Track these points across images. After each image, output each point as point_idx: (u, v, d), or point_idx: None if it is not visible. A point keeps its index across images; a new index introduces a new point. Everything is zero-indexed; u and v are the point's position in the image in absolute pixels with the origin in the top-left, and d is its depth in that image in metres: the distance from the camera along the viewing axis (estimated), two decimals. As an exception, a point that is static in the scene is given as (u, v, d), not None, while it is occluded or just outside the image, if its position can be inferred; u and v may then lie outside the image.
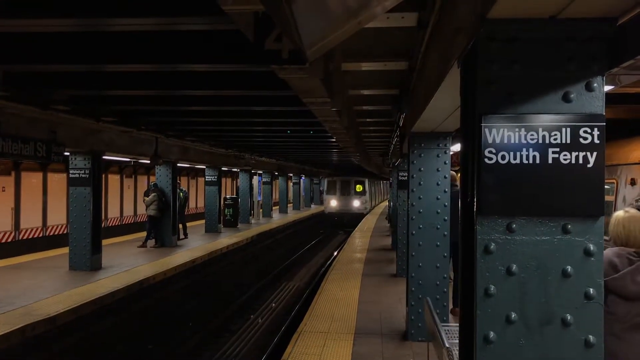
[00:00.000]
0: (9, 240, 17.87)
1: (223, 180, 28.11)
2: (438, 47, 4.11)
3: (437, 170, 7.37)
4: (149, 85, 8.68)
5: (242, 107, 10.77)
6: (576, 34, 2.43)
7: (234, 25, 3.88)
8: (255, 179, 31.37)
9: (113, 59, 6.94)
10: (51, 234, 19.82)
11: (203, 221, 24.26)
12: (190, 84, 8.67)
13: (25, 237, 18.57)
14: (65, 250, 13.91)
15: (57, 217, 20.11)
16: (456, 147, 9.66)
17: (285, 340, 9.29)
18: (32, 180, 19.05)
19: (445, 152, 7.38)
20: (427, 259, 7.35)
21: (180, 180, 21.92)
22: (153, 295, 12.82)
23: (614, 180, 9.12)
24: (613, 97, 8.14)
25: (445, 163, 7.37)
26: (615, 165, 9.10)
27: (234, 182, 38.28)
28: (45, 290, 10.66)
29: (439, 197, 7.34)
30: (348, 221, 34.55)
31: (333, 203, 37.05)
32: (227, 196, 26.83)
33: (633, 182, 8.54)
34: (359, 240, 20.55)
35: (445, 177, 7.37)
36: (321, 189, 41.60)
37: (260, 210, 32.46)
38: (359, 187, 37.43)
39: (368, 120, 11.70)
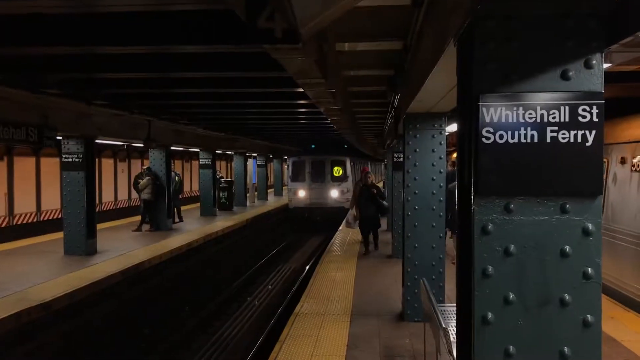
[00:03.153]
0: (3, 225, 17.81)
1: (217, 163, 28.02)
2: (434, 26, 4.06)
3: (433, 151, 7.35)
4: (141, 67, 8.56)
5: (236, 89, 10.68)
6: (574, 11, 2.40)
7: (227, 5, 3.81)
8: (250, 162, 31.18)
9: (104, 40, 6.83)
10: (45, 218, 19.76)
11: (197, 204, 24.21)
12: (183, 66, 8.56)
13: (19, 222, 18.51)
14: (60, 235, 13.86)
15: (51, 202, 20.04)
16: (451, 128, 9.64)
17: (282, 321, 9.32)
18: (25, 165, 18.94)
19: (440, 133, 7.35)
20: (422, 240, 7.37)
21: (174, 163, 21.81)
22: (149, 279, 12.82)
23: (605, 159, 9.13)
24: (605, 75, 8.10)
25: (440, 144, 7.35)
26: (606, 144, 9.09)
27: (229, 165, 38.07)
28: (40, 275, 10.63)
29: (434, 178, 7.33)
30: (323, 219, 25.49)
31: (301, 194, 26.36)
32: (222, 179, 26.76)
33: (623, 161, 8.55)
34: (353, 214, 20.52)
35: (440, 158, 7.35)
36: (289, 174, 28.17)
37: (256, 193, 32.33)
38: (337, 170, 26.59)
39: (363, 101, 11.62)
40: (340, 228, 18.66)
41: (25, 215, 18.94)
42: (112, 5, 5.87)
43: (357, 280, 10.64)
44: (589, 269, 2.43)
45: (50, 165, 20.14)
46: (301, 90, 7.91)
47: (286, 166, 35.42)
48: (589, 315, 2.43)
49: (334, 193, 26.14)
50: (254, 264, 17.11)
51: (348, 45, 6.40)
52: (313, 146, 29.21)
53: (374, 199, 13.39)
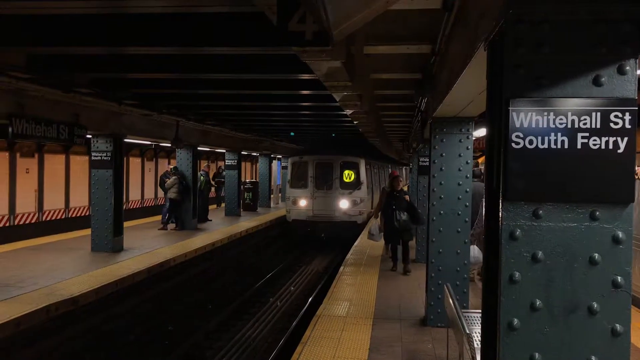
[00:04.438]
0: (33, 221, 18.16)
1: (242, 164, 28.12)
2: (463, 30, 4.04)
3: (459, 155, 7.30)
4: (170, 68, 8.70)
5: (262, 91, 10.76)
6: (608, 15, 2.36)
7: (257, 7, 3.85)
8: (275, 163, 31.27)
9: (134, 41, 6.95)
10: (74, 215, 20.09)
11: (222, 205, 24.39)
12: (211, 68, 8.66)
13: (48, 219, 18.85)
14: (87, 231, 14.09)
15: (80, 199, 20.37)
16: (478, 133, 9.56)
17: (304, 323, 9.34)
18: (54, 163, 19.30)
19: (467, 138, 7.30)
20: (447, 245, 7.32)
21: (200, 163, 22.02)
22: (174, 277, 12.96)
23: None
24: None
25: (467, 148, 7.30)
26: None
27: (254, 166, 38.25)
28: (68, 271, 10.82)
29: (460, 183, 7.28)
30: (330, 237, 20.64)
31: (302, 204, 21.04)
32: (247, 180, 26.90)
33: None
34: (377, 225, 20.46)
35: (467, 163, 7.30)
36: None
37: (279, 194, 32.42)
38: (349, 174, 21.11)
39: (389, 104, 11.60)
40: (361, 235, 18.40)
41: (54, 211, 19.28)
42: (142, 7, 5.97)
43: (379, 283, 10.60)
44: (619, 277, 2.39)
45: (80, 163, 20.48)
46: (328, 92, 7.92)
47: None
48: (617, 325, 2.39)
49: (344, 204, 20.76)
50: (277, 265, 17.16)
51: (376, 48, 6.39)
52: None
53: (408, 207, 11.54)
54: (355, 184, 21.02)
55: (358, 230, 19.20)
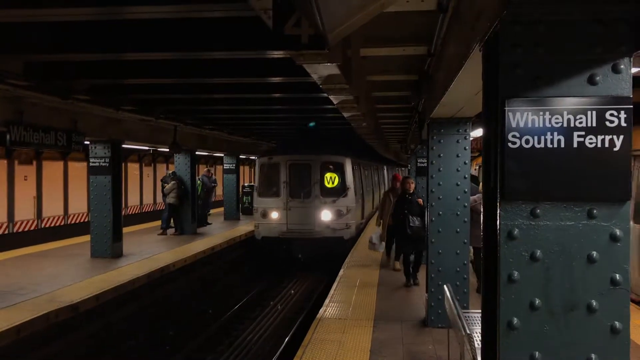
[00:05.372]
0: (32, 228, 18.15)
1: (241, 168, 28.10)
2: (459, 31, 4.05)
3: (457, 156, 7.31)
4: (168, 73, 8.70)
5: (260, 94, 10.76)
6: (603, 15, 2.38)
7: (253, 11, 3.86)
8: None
9: (132, 47, 6.96)
10: (73, 222, 20.08)
11: (221, 209, 24.35)
12: (209, 72, 8.67)
13: (47, 225, 18.84)
14: (86, 238, 14.08)
15: (79, 205, 20.36)
16: (475, 133, 9.58)
17: (306, 326, 9.33)
18: (53, 169, 19.29)
19: (465, 138, 7.31)
20: (446, 246, 7.33)
21: (200, 168, 21.99)
22: (174, 282, 12.94)
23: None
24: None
25: (465, 149, 7.31)
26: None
27: (252, 170, 38.24)
28: (68, 278, 10.81)
29: (459, 183, 7.29)
30: (310, 258, 16.50)
31: (274, 216, 16.73)
32: (246, 184, 26.87)
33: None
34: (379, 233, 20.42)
35: (465, 163, 7.31)
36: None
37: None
38: (331, 178, 16.84)
39: (386, 106, 11.62)
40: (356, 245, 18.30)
41: (53, 218, 19.27)
42: (140, 13, 5.97)
43: (380, 285, 10.60)
44: (617, 275, 2.40)
45: (78, 170, 20.48)
46: (324, 95, 7.94)
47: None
48: (616, 322, 2.40)
49: (326, 215, 16.50)
50: (277, 268, 17.15)
51: (372, 50, 6.41)
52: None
53: (422, 211, 10.08)
54: (340, 190, 16.78)
55: (345, 248, 15.96)
